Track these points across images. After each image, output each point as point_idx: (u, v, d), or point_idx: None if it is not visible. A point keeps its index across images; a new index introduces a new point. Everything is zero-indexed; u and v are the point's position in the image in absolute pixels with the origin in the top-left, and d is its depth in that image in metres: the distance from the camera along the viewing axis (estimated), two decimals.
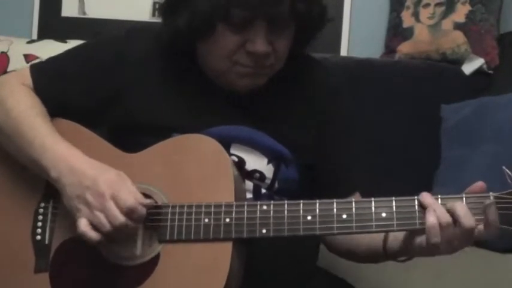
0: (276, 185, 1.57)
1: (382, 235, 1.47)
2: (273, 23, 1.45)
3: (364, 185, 1.64)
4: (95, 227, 1.38)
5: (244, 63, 1.49)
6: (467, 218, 1.31)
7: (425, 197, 1.35)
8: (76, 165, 1.43)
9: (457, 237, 1.33)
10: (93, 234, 1.38)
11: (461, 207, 1.32)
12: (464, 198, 1.34)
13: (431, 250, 1.35)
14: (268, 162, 1.55)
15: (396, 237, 1.44)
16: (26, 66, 1.82)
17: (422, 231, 1.35)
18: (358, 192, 1.63)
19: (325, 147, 1.61)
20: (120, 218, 1.37)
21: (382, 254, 1.48)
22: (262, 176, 1.55)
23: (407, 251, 1.42)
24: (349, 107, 1.68)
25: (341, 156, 1.65)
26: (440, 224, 1.32)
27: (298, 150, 1.57)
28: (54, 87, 1.57)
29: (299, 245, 1.48)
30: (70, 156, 1.44)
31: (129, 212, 1.37)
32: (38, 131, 1.48)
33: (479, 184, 1.35)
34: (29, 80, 1.58)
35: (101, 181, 1.39)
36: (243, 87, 1.54)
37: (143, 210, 1.38)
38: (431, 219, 1.32)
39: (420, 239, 1.36)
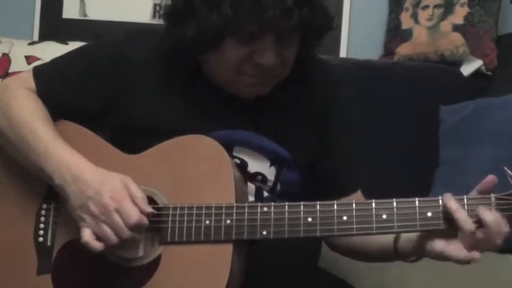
0: (278, 187, 1.57)
1: (391, 236, 1.46)
2: (282, 34, 1.44)
3: (366, 184, 1.64)
4: (98, 237, 1.40)
5: (251, 73, 1.48)
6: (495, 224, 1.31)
7: (449, 201, 1.34)
8: (79, 173, 1.43)
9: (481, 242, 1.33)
10: (97, 245, 1.39)
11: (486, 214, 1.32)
12: (465, 200, 1.34)
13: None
14: (271, 165, 1.56)
15: (409, 240, 1.43)
16: (28, 67, 1.82)
17: (436, 235, 1.36)
18: (360, 191, 1.63)
19: (327, 144, 1.61)
20: (127, 233, 1.38)
21: (392, 254, 1.47)
22: (264, 178, 1.55)
23: (420, 253, 1.42)
24: (350, 103, 1.67)
25: (343, 154, 1.64)
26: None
27: (300, 152, 1.57)
28: (57, 90, 1.57)
29: (300, 245, 1.49)
30: (73, 163, 1.44)
31: (134, 227, 1.38)
32: (41, 137, 1.48)
33: (489, 178, 1.34)
34: (31, 84, 1.58)
35: (104, 192, 1.39)
36: (249, 95, 1.54)
37: (146, 221, 1.39)
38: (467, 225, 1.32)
39: (439, 245, 1.36)
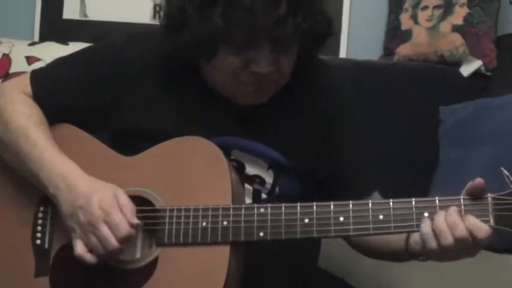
0: (277, 190, 1.56)
1: (403, 236, 1.45)
2: (277, 43, 1.41)
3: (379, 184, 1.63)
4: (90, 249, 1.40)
5: (248, 82, 1.45)
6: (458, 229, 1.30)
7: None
8: (73, 182, 1.43)
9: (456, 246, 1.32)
10: (90, 258, 1.40)
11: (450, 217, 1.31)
12: (462, 200, 1.33)
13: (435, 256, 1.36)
14: (268, 168, 1.55)
15: (416, 241, 1.41)
16: (28, 68, 1.82)
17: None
18: (377, 192, 1.62)
19: (334, 149, 1.59)
20: (114, 245, 1.38)
21: (405, 253, 1.46)
22: (262, 181, 1.55)
23: (425, 253, 1.41)
24: (354, 106, 1.66)
25: (353, 156, 1.62)
26: (434, 232, 1.32)
27: (299, 158, 1.55)
28: (54, 95, 1.57)
29: (299, 246, 1.48)
30: (67, 172, 1.44)
31: (123, 241, 1.38)
32: (35, 144, 1.48)
33: (477, 181, 1.33)
34: (28, 88, 1.57)
35: (94, 201, 1.39)
36: (248, 104, 1.52)
37: (134, 234, 1.39)
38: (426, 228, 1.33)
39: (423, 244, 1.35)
